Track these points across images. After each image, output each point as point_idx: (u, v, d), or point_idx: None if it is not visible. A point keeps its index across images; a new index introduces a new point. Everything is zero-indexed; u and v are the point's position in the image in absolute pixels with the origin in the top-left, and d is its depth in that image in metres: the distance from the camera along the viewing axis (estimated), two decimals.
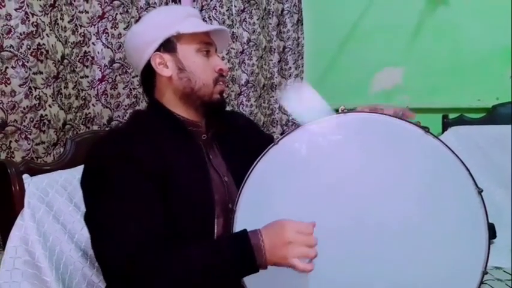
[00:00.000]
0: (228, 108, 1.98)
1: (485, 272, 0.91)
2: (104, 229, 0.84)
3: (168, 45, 0.99)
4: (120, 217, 0.83)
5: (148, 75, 1.01)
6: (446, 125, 1.96)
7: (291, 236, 0.80)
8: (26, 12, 1.25)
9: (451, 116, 1.98)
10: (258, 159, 0.93)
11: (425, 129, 0.92)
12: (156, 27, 0.99)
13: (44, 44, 1.30)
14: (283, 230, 0.81)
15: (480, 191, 0.90)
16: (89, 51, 1.48)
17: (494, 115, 1.91)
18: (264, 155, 0.93)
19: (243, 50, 2.11)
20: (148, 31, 1.00)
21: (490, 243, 0.91)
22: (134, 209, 0.84)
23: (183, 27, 0.98)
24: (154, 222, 0.85)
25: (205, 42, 1.01)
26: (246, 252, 0.80)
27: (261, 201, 0.93)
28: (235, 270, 0.81)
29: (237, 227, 0.92)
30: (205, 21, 1.88)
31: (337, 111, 0.95)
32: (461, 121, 1.94)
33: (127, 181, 0.86)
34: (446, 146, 0.92)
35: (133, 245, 0.80)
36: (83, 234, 1.13)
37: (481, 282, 0.91)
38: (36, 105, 1.29)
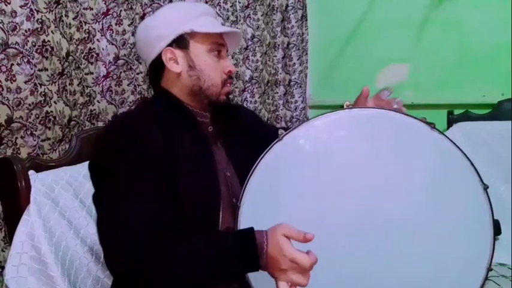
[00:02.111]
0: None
1: (490, 269, 0.91)
2: (112, 216, 0.84)
3: (180, 42, 0.99)
4: (129, 205, 0.83)
5: (158, 68, 1.02)
6: (451, 121, 1.95)
7: (285, 265, 0.79)
8: (31, 9, 1.26)
9: (457, 111, 1.97)
10: (262, 155, 0.93)
11: (431, 125, 0.92)
12: (170, 23, 0.99)
13: (49, 41, 1.31)
14: (280, 255, 0.79)
15: (486, 188, 0.90)
16: (94, 48, 1.48)
17: (500, 111, 1.90)
18: (268, 150, 0.93)
19: (247, 46, 2.11)
20: (161, 25, 1.00)
21: (495, 239, 0.91)
22: (143, 196, 0.84)
23: (198, 25, 0.98)
24: (163, 210, 0.85)
25: (218, 43, 1.01)
26: (250, 253, 0.80)
27: (266, 197, 0.93)
28: (238, 266, 0.81)
29: (242, 223, 0.92)
30: None
31: (342, 106, 0.95)
32: (466, 117, 1.93)
33: (137, 169, 0.86)
34: (452, 142, 0.91)
35: (141, 233, 0.80)
36: (89, 230, 1.14)
37: (486, 279, 0.91)
38: (42, 102, 1.30)
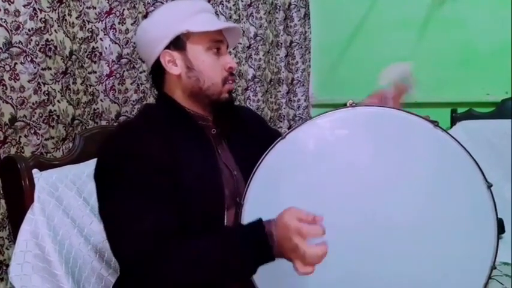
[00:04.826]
0: (235, 103, 1.99)
1: (493, 267, 0.91)
2: (118, 224, 0.84)
3: (177, 43, 0.98)
4: (134, 212, 0.84)
5: (158, 71, 1.01)
6: (455, 119, 1.94)
7: (297, 240, 0.78)
8: (34, 9, 1.26)
9: (460, 110, 1.96)
10: (265, 153, 0.93)
11: (435, 123, 0.91)
12: (166, 24, 0.98)
13: (52, 40, 1.31)
14: (289, 232, 0.78)
15: (489, 186, 0.90)
16: (97, 47, 1.48)
17: (503, 109, 1.89)
18: (271, 149, 0.93)
19: (250, 45, 2.11)
20: (158, 28, 0.99)
21: (498, 238, 0.90)
22: (147, 204, 0.85)
23: (193, 25, 0.97)
24: (167, 216, 0.85)
25: (216, 40, 0.99)
26: (262, 240, 0.79)
27: (269, 195, 0.93)
28: (250, 260, 0.81)
29: (245, 221, 0.92)
30: None
31: (345, 105, 0.95)
32: (470, 115, 1.92)
33: (139, 176, 0.86)
34: (456, 140, 0.91)
35: (147, 239, 0.81)
36: (92, 228, 1.15)
37: (489, 278, 0.91)
38: (45, 101, 1.30)
